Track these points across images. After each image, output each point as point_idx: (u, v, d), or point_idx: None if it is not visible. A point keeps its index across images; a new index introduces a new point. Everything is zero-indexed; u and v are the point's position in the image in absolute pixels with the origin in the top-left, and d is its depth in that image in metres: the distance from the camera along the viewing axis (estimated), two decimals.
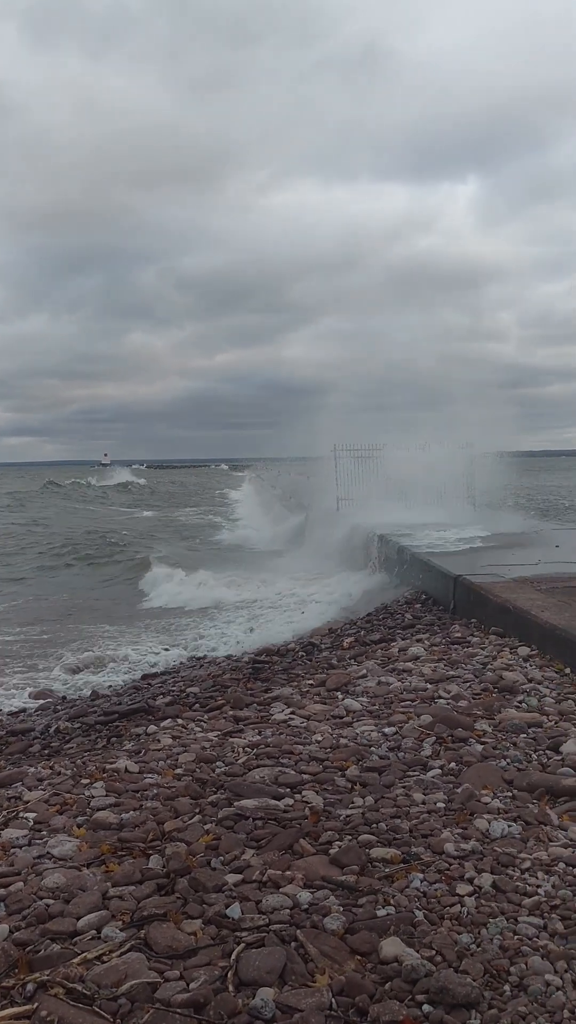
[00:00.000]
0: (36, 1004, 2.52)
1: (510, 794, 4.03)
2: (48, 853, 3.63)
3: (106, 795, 4.33)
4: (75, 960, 2.73)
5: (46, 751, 6.22)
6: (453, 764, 4.44)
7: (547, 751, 4.57)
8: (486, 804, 3.89)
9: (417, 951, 2.76)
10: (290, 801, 4.04)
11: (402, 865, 3.33)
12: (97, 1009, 2.50)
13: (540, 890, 3.13)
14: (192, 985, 2.61)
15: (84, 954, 2.77)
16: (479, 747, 4.66)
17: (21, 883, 3.33)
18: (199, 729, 5.76)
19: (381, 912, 3.00)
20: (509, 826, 3.65)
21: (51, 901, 3.15)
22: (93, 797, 4.31)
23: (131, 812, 4.02)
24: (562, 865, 3.31)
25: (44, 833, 3.90)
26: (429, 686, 6.00)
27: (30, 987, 2.60)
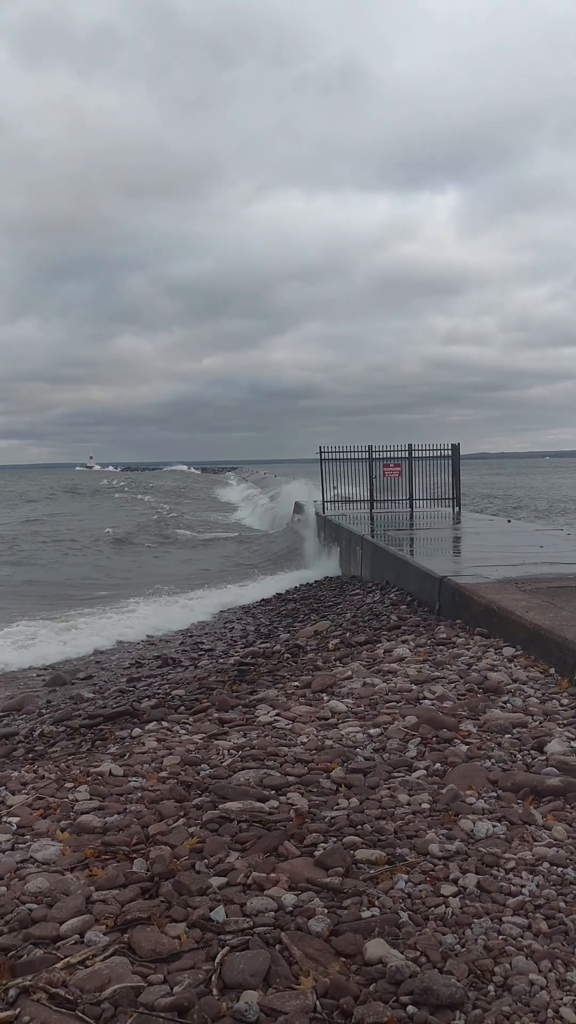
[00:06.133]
0: (19, 1010, 2.50)
1: (495, 794, 4.04)
2: (31, 857, 3.60)
3: (90, 799, 4.31)
4: (58, 965, 2.71)
5: (30, 755, 6.17)
6: (438, 765, 4.44)
7: (532, 751, 4.59)
8: (471, 805, 3.90)
9: (402, 952, 2.76)
10: (275, 803, 4.03)
11: (387, 866, 3.33)
12: (80, 1014, 2.48)
13: (524, 890, 3.14)
14: (176, 989, 2.59)
15: (67, 959, 2.75)
16: (464, 748, 4.67)
17: (4, 888, 3.30)
18: (184, 732, 5.74)
19: (366, 914, 3.00)
20: (494, 826, 3.66)
21: (34, 905, 3.12)
22: (77, 801, 4.29)
23: (115, 816, 4.00)
24: (546, 865, 3.32)
25: (27, 837, 3.87)
26: (414, 687, 6.01)
27: (12, 992, 2.58)
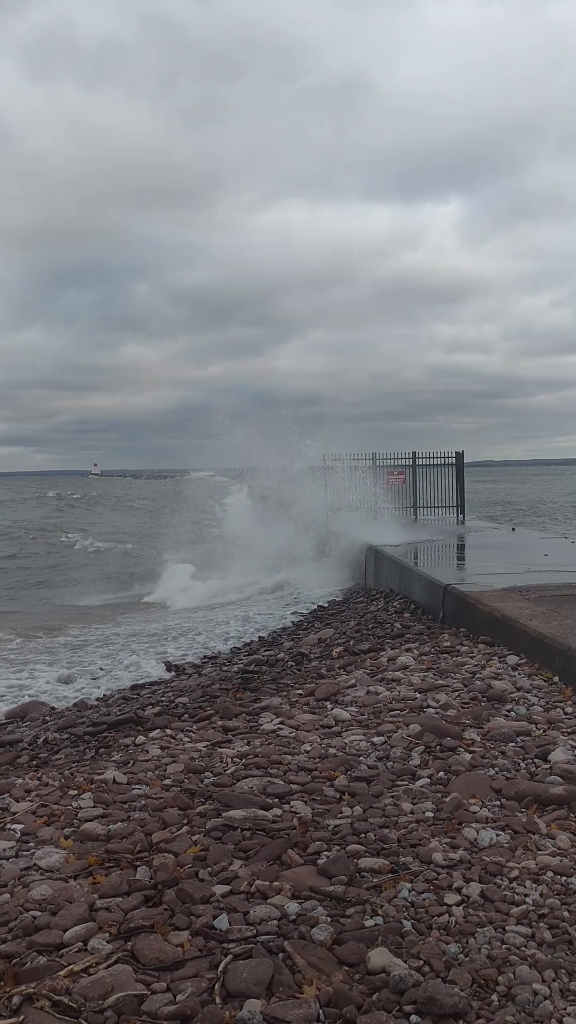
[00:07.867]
0: (22, 1017, 2.50)
1: (498, 803, 4.03)
2: (35, 865, 3.61)
3: (94, 806, 4.31)
4: (61, 972, 2.71)
5: (34, 762, 6.17)
6: (441, 773, 4.44)
7: (535, 760, 4.58)
8: (474, 813, 3.89)
9: (405, 961, 2.76)
10: (278, 811, 4.03)
11: (390, 875, 3.33)
12: (83, 1022, 2.48)
13: (528, 899, 3.14)
14: (179, 997, 2.59)
15: (71, 966, 2.75)
16: (467, 756, 4.66)
17: (8, 895, 3.31)
18: (188, 739, 5.74)
19: (369, 922, 2.99)
20: (497, 835, 3.65)
21: (38, 913, 3.13)
22: (81, 808, 4.29)
23: (119, 823, 4.00)
24: (550, 874, 3.31)
25: (31, 844, 3.87)
26: (418, 695, 6.00)
27: (16, 1000, 2.58)
